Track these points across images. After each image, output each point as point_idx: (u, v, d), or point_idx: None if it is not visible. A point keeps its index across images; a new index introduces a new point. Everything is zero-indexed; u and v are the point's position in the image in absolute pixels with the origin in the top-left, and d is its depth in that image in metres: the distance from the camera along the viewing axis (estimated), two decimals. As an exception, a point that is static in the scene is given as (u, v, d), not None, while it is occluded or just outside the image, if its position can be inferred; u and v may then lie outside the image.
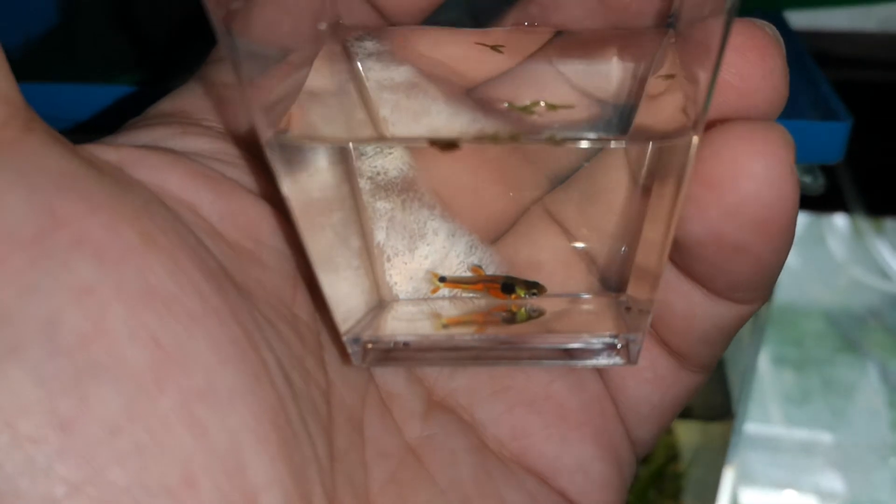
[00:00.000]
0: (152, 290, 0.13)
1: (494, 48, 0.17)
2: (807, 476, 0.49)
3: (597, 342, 0.17)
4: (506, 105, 0.16)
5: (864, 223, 0.58)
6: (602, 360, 0.17)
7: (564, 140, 0.15)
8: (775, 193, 0.14)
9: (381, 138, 0.16)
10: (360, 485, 0.16)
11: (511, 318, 0.18)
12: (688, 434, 0.44)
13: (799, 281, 0.56)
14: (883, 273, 0.57)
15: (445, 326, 0.18)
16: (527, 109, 0.16)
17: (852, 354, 0.56)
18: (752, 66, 0.15)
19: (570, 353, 0.17)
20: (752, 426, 0.51)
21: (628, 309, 0.17)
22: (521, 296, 0.18)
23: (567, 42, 0.17)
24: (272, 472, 0.13)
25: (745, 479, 0.49)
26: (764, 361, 0.56)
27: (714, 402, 0.41)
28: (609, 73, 0.16)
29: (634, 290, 0.17)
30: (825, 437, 0.51)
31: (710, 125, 0.15)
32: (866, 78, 0.54)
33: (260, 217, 0.16)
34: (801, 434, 0.52)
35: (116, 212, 0.13)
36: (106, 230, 0.13)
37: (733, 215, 0.14)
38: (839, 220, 0.60)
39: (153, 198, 0.14)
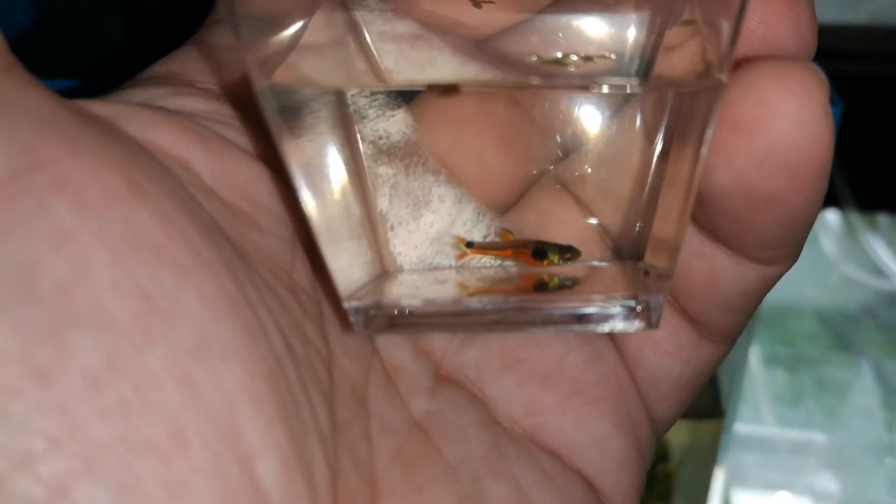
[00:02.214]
0: (139, 239, 0.12)
1: (484, 1, 0.16)
2: (800, 477, 0.50)
3: (615, 306, 0.17)
4: (534, 58, 0.16)
5: (857, 219, 0.59)
6: (621, 325, 0.17)
7: (578, 86, 0.15)
8: (809, 135, 0.14)
9: (376, 83, 0.16)
10: (365, 460, 0.15)
11: (542, 287, 0.18)
12: (677, 433, 0.44)
13: (790, 278, 0.56)
14: (876, 270, 0.58)
15: (472, 294, 0.18)
16: (559, 62, 0.16)
17: (845, 353, 0.57)
18: (777, 12, 0.15)
19: (586, 319, 0.17)
20: (743, 427, 0.52)
21: (646, 273, 0.17)
22: (554, 262, 0.17)
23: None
24: (269, 436, 0.13)
25: (737, 480, 0.49)
26: (755, 361, 0.56)
27: (703, 400, 0.42)
28: (625, 24, 0.16)
29: (653, 257, 0.17)
30: (819, 438, 0.52)
31: (735, 67, 0.15)
32: (858, 71, 0.55)
33: (256, 179, 0.16)
34: (793, 435, 0.53)
35: (102, 156, 0.13)
36: (89, 174, 0.12)
37: (763, 161, 0.14)
38: (831, 217, 0.61)
39: (142, 149, 0.14)
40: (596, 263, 0.18)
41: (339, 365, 0.16)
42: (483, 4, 0.16)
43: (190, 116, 0.16)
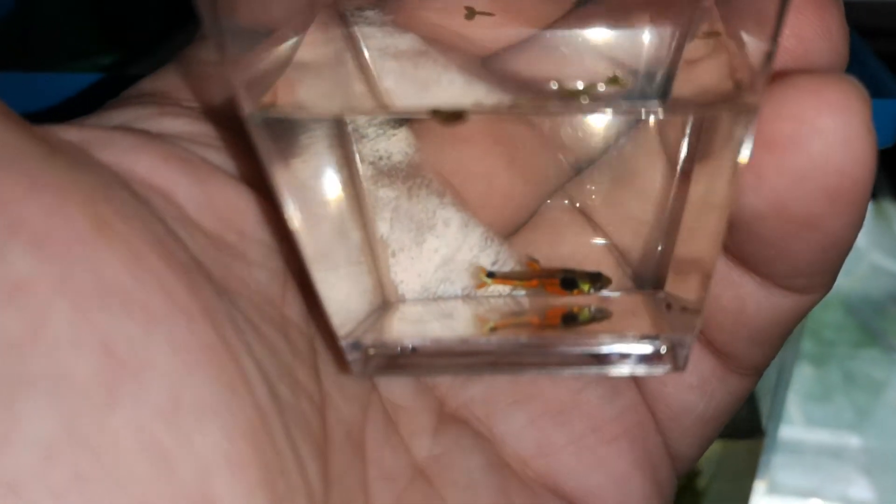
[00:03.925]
0: (104, 286, 0.11)
1: (480, 13, 0.16)
2: (832, 483, 0.48)
3: (637, 345, 0.16)
4: (553, 86, 0.15)
5: (888, 205, 0.57)
6: (643, 367, 0.16)
7: (593, 110, 0.14)
8: (850, 155, 0.13)
9: (375, 109, 0.15)
10: None
11: (572, 320, 0.17)
12: (709, 449, 0.43)
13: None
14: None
15: (493, 330, 0.17)
16: (582, 92, 0.15)
17: (875, 347, 0.56)
18: (808, 25, 0.14)
19: (606, 360, 0.16)
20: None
21: (669, 306, 0.16)
22: (585, 291, 0.17)
23: (593, 8, 0.16)
24: None
25: (765, 487, 0.48)
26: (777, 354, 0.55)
27: (737, 416, 0.40)
28: (640, 40, 0.15)
29: (675, 286, 0.17)
30: (851, 440, 0.51)
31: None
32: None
33: (245, 206, 0.15)
34: (823, 436, 0.52)
35: (64, 193, 0.12)
36: (49, 214, 0.11)
37: (799, 182, 0.13)
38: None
39: (115, 181, 0.13)
40: (609, 294, 0.17)
41: (333, 407, 0.15)
42: (481, 17, 0.16)
43: (174, 140, 0.15)
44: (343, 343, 0.16)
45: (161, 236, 0.13)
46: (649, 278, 0.17)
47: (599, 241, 0.17)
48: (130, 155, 0.14)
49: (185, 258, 0.13)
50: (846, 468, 0.49)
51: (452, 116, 0.14)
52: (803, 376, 0.55)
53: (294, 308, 0.15)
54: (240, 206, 0.15)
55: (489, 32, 0.16)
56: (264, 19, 0.14)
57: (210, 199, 0.14)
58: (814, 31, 0.14)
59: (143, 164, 0.14)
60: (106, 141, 0.14)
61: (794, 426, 0.52)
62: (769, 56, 0.12)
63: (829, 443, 0.51)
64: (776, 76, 0.14)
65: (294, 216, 0.14)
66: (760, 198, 0.14)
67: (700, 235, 0.15)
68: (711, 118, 0.15)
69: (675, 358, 0.16)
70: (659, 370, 0.16)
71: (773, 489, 0.47)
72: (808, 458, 0.49)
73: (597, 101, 0.14)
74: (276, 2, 0.14)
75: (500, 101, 0.15)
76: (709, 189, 0.15)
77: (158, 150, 0.14)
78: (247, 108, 0.13)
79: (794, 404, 0.53)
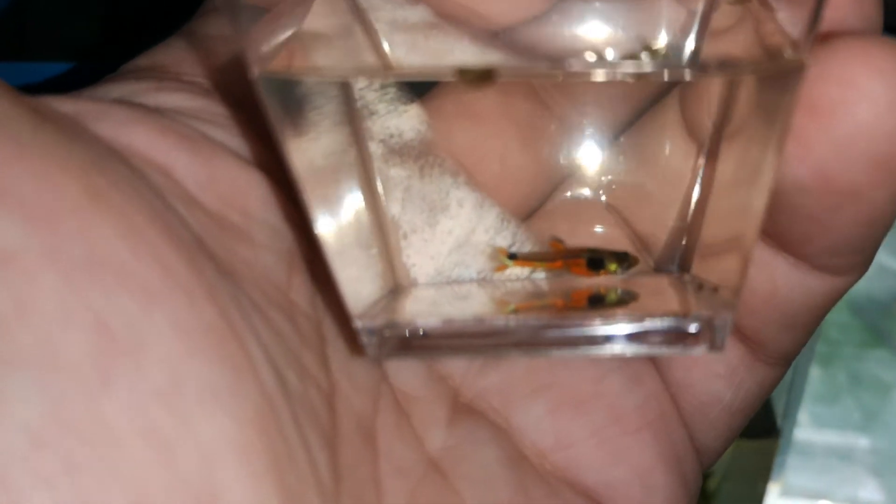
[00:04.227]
0: (98, 259, 0.11)
1: None
2: (842, 485, 0.48)
3: (668, 324, 0.15)
4: (591, 57, 0.14)
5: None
6: (678, 349, 0.15)
7: (630, 74, 0.14)
8: None
9: (392, 72, 0.14)
10: None
11: (598, 301, 0.16)
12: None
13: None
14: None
15: (514, 312, 0.16)
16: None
17: (882, 347, 0.56)
18: None
19: (639, 340, 0.15)
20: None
21: (700, 287, 0.16)
22: (612, 271, 0.16)
23: None
24: (258, 497, 0.11)
25: (774, 489, 0.48)
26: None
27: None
28: (661, 10, 0.15)
29: (703, 269, 0.16)
30: (859, 441, 0.50)
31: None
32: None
33: (249, 186, 0.14)
34: (831, 437, 0.51)
35: (56, 161, 0.11)
36: (39, 181, 0.11)
37: (844, 150, 0.12)
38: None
39: (111, 153, 0.12)
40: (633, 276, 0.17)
41: (342, 397, 0.15)
42: None
43: (174, 115, 0.14)
44: (357, 324, 0.15)
45: (160, 211, 0.12)
46: (671, 263, 0.17)
47: (619, 223, 0.17)
48: (127, 128, 0.13)
49: (186, 235, 0.12)
50: (855, 470, 0.49)
51: (482, 76, 0.13)
52: (810, 377, 0.54)
53: (301, 293, 0.15)
54: (244, 186, 0.14)
55: (503, 5, 0.15)
56: None
57: (212, 176, 0.14)
58: (846, 2, 0.13)
59: (141, 138, 0.13)
60: (101, 113, 0.13)
61: (802, 427, 0.52)
62: (819, 5, 0.12)
63: (838, 444, 0.51)
64: (817, 40, 0.13)
65: (305, 195, 0.14)
66: (803, 167, 0.13)
67: (732, 215, 0.15)
68: (750, 84, 0.14)
69: (713, 337, 0.15)
70: (695, 351, 0.15)
71: (785, 491, 0.47)
72: (817, 460, 0.49)
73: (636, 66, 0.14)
74: None
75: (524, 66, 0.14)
76: (742, 164, 0.14)
77: (157, 124, 0.14)
78: (255, 70, 0.13)
79: (801, 405, 0.53)
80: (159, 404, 0.11)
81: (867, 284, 0.57)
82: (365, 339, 0.15)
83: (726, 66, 0.14)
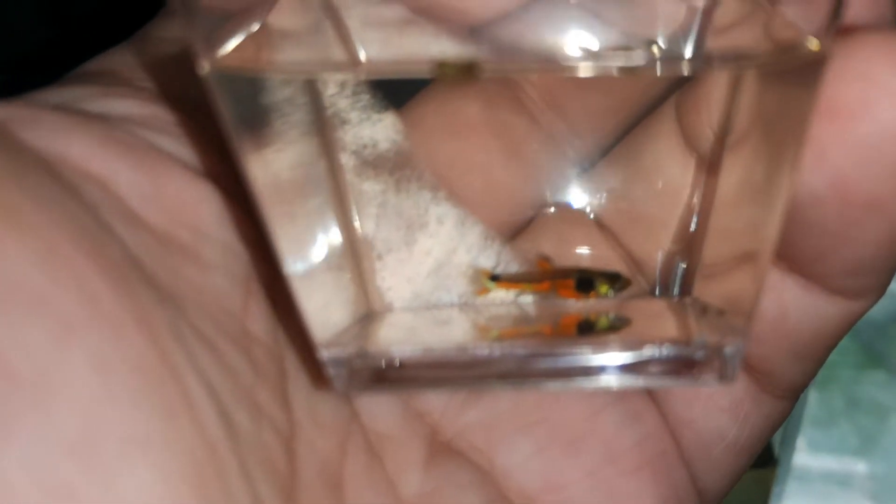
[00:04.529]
0: (6, 286, 0.10)
1: None
2: (840, 513, 0.47)
3: (673, 352, 0.14)
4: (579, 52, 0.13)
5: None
6: (684, 381, 0.14)
7: (625, 69, 0.13)
8: None
9: (360, 68, 0.14)
10: None
11: (588, 328, 0.15)
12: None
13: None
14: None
15: (498, 339, 0.15)
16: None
17: (879, 369, 0.55)
18: None
19: (638, 370, 0.14)
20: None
21: (704, 310, 0.15)
22: (603, 293, 0.15)
23: None
24: None
25: (769, 516, 0.47)
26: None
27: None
28: (655, 5, 0.14)
29: (704, 291, 0.15)
30: (857, 466, 0.50)
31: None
32: None
33: (201, 200, 0.14)
34: (829, 463, 0.51)
35: None
36: None
37: (866, 156, 0.12)
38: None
39: (38, 164, 0.12)
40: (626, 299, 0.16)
41: (304, 440, 0.14)
42: None
43: (119, 122, 0.14)
44: (323, 354, 0.14)
45: (89, 230, 0.11)
46: (670, 285, 0.16)
47: (611, 243, 0.16)
48: (60, 136, 0.13)
49: (118, 257, 0.11)
50: (853, 495, 0.48)
51: (464, 70, 0.12)
52: (806, 401, 0.54)
53: (259, 321, 0.14)
54: (194, 200, 0.13)
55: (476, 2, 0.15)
56: None
57: (158, 189, 0.13)
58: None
59: (76, 148, 0.12)
60: (31, 120, 0.12)
61: (799, 453, 0.51)
62: None
63: (836, 470, 0.50)
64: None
65: (266, 212, 0.13)
66: (818, 176, 0.12)
67: (739, 231, 0.14)
68: (757, 87, 0.13)
69: (723, 367, 0.14)
70: (703, 382, 0.14)
71: (778, 519, 0.46)
72: (815, 487, 0.48)
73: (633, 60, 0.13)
74: None
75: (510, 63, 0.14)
76: (749, 176, 0.14)
77: (96, 132, 0.13)
78: (205, 64, 0.12)
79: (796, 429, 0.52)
80: (70, 458, 0.10)
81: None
82: (332, 370, 0.14)
83: (736, 58, 0.13)
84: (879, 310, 0.61)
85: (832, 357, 0.50)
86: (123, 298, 0.11)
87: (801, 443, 0.51)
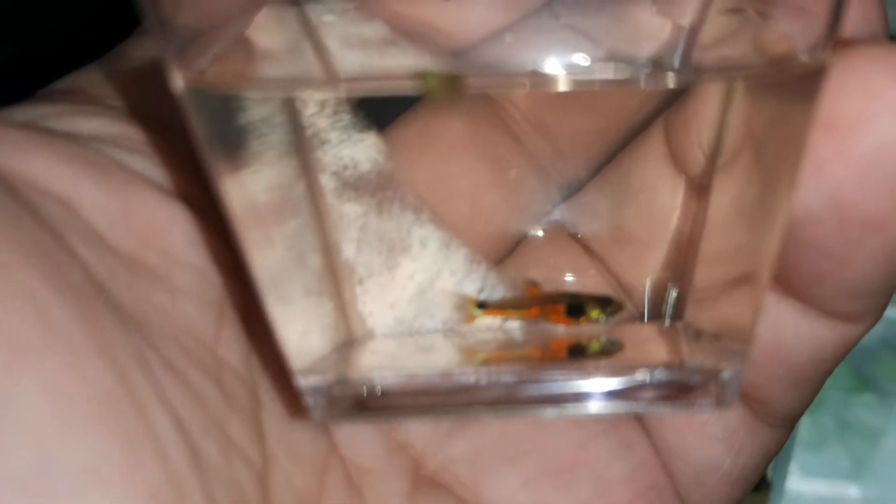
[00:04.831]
0: None
1: None
2: (833, 538, 0.47)
3: (668, 376, 0.14)
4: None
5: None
6: (680, 406, 0.14)
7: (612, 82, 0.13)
8: None
9: (337, 84, 0.13)
10: None
11: (579, 352, 0.15)
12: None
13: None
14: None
15: (485, 363, 0.15)
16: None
17: (869, 392, 0.55)
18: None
19: (631, 396, 0.14)
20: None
21: (698, 334, 0.14)
22: (595, 318, 0.15)
23: None
24: None
25: (761, 542, 0.46)
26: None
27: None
28: (639, 24, 0.14)
29: (697, 316, 0.15)
30: (849, 490, 0.50)
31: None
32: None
33: (172, 222, 0.13)
34: (821, 486, 0.51)
35: None
36: None
37: (866, 172, 0.11)
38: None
39: None
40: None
41: (279, 473, 0.13)
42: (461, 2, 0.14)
43: (86, 141, 0.13)
44: (300, 382, 0.14)
45: (47, 251, 0.11)
46: (661, 309, 0.15)
47: (599, 267, 0.16)
48: (23, 154, 0.12)
49: (79, 280, 0.11)
50: (847, 522, 0.48)
51: (448, 83, 0.12)
52: (798, 424, 0.53)
53: (232, 348, 0.13)
54: (165, 222, 0.13)
55: (467, 20, 0.14)
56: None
57: (126, 210, 0.13)
58: (851, 14, 0.12)
59: (39, 166, 0.12)
60: None
61: (792, 476, 0.51)
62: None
63: (827, 494, 0.50)
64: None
65: (242, 235, 0.13)
66: (815, 194, 0.11)
67: (733, 254, 0.14)
68: (750, 104, 0.13)
69: (720, 392, 0.14)
70: (699, 408, 0.14)
71: (773, 547, 0.46)
72: (806, 511, 0.48)
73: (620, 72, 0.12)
74: None
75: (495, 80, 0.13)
76: (742, 196, 0.13)
77: (61, 150, 0.12)
78: (179, 81, 0.11)
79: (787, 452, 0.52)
80: (21, 493, 0.09)
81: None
82: (309, 399, 0.14)
83: (729, 69, 0.12)
84: (870, 333, 0.61)
85: (823, 380, 0.50)
86: (82, 323, 0.10)
87: (793, 467, 0.50)
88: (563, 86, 0.12)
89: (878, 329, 0.55)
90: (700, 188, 0.14)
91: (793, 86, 0.11)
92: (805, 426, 0.53)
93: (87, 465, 0.10)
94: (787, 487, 0.50)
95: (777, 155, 0.12)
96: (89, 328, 0.10)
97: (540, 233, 0.16)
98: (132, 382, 0.11)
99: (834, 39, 0.11)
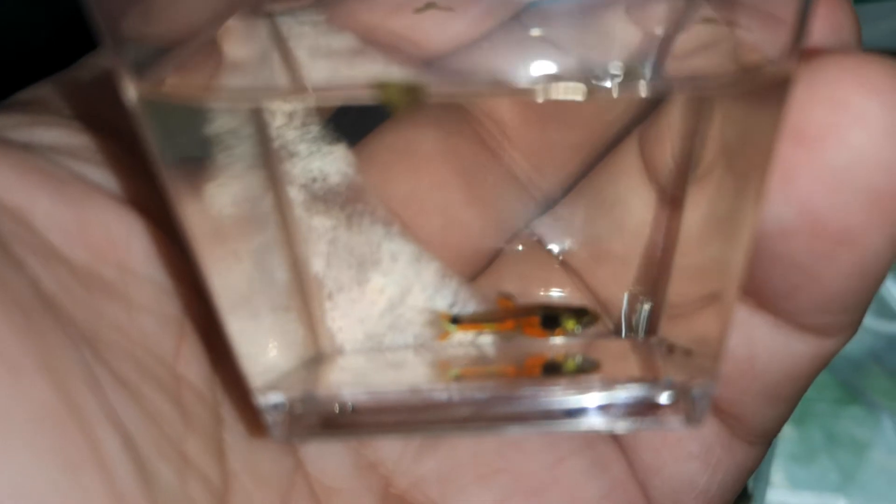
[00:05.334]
0: None
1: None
2: (821, 550, 0.47)
3: (639, 392, 0.14)
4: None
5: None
6: (650, 423, 0.13)
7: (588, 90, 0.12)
8: None
9: (297, 93, 0.13)
10: None
11: (554, 370, 0.15)
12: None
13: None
14: (884, 311, 0.56)
15: (458, 379, 0.14)
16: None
17: (857, 405, 0.55)
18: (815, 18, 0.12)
19: (602, 413, 0.14)
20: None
21: (671, 350, 0.14)
22: (570, 329, 0.14)
23: (556, 4, 0.14)
24: None
25: (750, 555, 0.46)
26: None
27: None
28: (611, 35, 0.14)
29: (671, 331, 0.14)
30: (837, 502, 0.50)
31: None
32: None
33: (130, 235, 0.13)
34: (808, 499, 0.51)
35: None
36: None
37: (837, 184, 0.11)
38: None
39: None
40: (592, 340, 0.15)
41: (240, 494, 0.13)
42: (429, 14, 0.13)
43: (43, 152, 0.13)
44: (259, 399, 0.13)
45: None
46: (635, 324, 0.15)
47: (575, 283, 0.15)
48: None
49: (24, 295, 0.11)
50: (835, 534, 0.47)
51: (406, 93, 0.11)
52: (785, 437, 0.53)
53: (191, 365, 0.13)
54: (122, 235, 0.13)
55: (439, 31, 0.14)
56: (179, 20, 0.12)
57: (81, 223, 0.12)
58: (821, 22, 0.12)
59: None
60: None
61: (778, 489, 0.51)
62: (806, 9, 0.10)
63: None
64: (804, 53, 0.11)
65: (200, 250, 0.12)
66: (787, 206, 0.11)
67: (705, 268, 0.13)
68: (721, 115, 0.12)
69: (690, 409, 0.13)
70: (670, 424, 0.13)
71: (761, 560, 0.45)
72: (794, 525, 0.48)
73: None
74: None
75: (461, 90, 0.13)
76: (715, 210, 0.13)
77: (15, 161, 0.12)
78: (131, 92, 0.11)
79: (776, 466, 0.52)
80: None
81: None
82: (269, 418, 0.13)
83: (696, 80, 0.12)
84: (857, 346, 0.61)
85: (810, 393, 0.50)
86: (26, 340, 0.10)
87: (780, 479, 0.50)
88: (529, 95, 0.12)
89: (866, 341, 0.55)
90: (674, 201, 0.14)
91: (760, 96, 0.11)
92: (793, 438, 0.53)
93: (26, 488, 0.09)
94: (776, 501, 0.49)
95: (746, 166, 0.11)
96: (32, 345, 0.10)
97: (516, 247, 0.16)
98: (77, 401, 0.10)
99: (799, 49, 0.10)
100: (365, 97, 0.12)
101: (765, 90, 0.11)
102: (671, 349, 0.14)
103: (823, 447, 0.52)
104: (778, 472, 0.51)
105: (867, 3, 0.40)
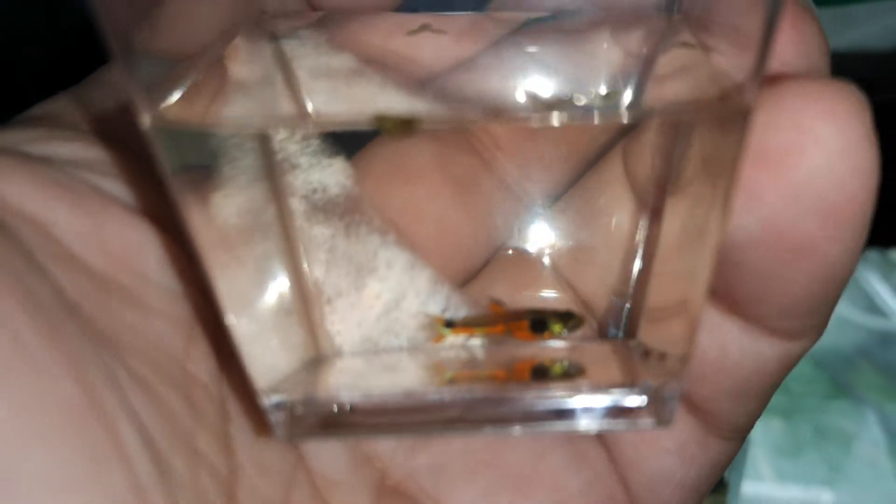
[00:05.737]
0: None
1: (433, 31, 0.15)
2: (807, 541, 0.47)
3: (612, 397, 0.14)
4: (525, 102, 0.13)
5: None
6: (624, 423, 0.14)
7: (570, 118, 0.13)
8: (852, 166, 0.11)
9: (302, 122, 0.14)
10: None
11: (543, 373, 0.15)
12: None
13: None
14: (872, 308, 0.56)
15: (451, 381, 0.15)
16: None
17: (845, 399, 0.55)
18: (783, 39, 0.12)
19: (579, 414, 0.14)
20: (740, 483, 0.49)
21: (646, 354, 0.15)
22: (557, 332, 0.15)
23: (544, 27, 0.15)
24: None
25: (737, 546, 0.46)
26: (748, 410, 0.54)
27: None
28: (598, 57, 0.14)
29: (649, 334, 0.15)
30: (823, 495, 0.49)
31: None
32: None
33: (144, 244, 0.13)
34: (795, 492, 0.50)
35: None
36: None
37: (796, 199, 0.12)
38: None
39: None
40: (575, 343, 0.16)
41: (247, 485, 0.13)
42: (424, 36, 0.14)
43: (61, 165, 0.13)
44: (264, 400, 0.14)
45: (18, 272, 0.11)
46: (617, 327, 0.16)
47: (562, 287, 0.16)
48: None
49: (48, 299, 0.11)
50: (821, 526, 0.48)
51: (402, 126, 0.12)
52: (773, 430, 0.53)
53: (201, 364, 0.13)
54: (137, 243, 0.13)
55: (433, 51, 0.15)
56: (180, 31, 0.13)
57: (99, 232, 0.13)
58: (789, 46, 0.13)
59: (13, 189, 0.12)
60: None
61: (765, 482, 0.51)
62: (766, 45, 0.11)
63: (802, 499, 0.50)
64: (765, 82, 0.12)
65: (208, 259, 0.13)
66: (752, 220, 0.12)
67: (679, 276, 0.14)
68: (695, 135, 0.13)
69: (660, 410, 0.14)
70: (642, 425, 0.14)
71: (748, 551, 0.46)
72: (781, 516, 0.48)
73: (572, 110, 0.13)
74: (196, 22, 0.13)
75: (454, 115, 0.14)
76: (688, 222, 0.13)
77: (35, 174, 0.13)
78: (145, 118, 0.11)
79: (764, 459, 0.52)
80: None
81: (830, 337, 0.57)
82: (273, 417, 0.14)
83: (663, 108, 0.13)
84: (845, 341, 0.61)
85: (799, 387, 0.51)
86: (52, 341, 0.11)
87: (768, 472, 0.50)
88: (518, 124, 0.13)
89: (854, 337, 0.56)
90: (654, 211, 0.15)
91: (727, 119, 0.12)
92: (781, 432, 0.53)
93: (49, 473, 0.10)
94: (763, 493, 0.50)
95: (715, 182, 0.12)
96: (58, 346, 0.11)
97: (508, 253, 0.16)
98: (99, 397, 0.11)
99: (758, 82, 0.11)
100: (363, 125, 0.12)
101: (731, 116, 0.12)
102: (647, 353, 0.15)
103: (811, 441, 0.53)
104: (766, 465, 0.51)
105: (867, 3, 0.40)
